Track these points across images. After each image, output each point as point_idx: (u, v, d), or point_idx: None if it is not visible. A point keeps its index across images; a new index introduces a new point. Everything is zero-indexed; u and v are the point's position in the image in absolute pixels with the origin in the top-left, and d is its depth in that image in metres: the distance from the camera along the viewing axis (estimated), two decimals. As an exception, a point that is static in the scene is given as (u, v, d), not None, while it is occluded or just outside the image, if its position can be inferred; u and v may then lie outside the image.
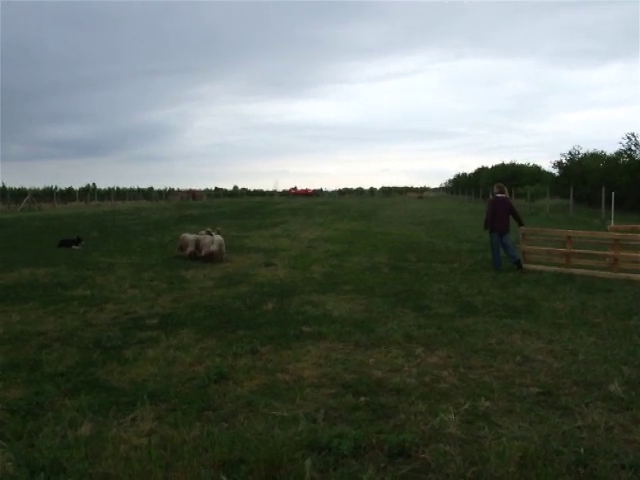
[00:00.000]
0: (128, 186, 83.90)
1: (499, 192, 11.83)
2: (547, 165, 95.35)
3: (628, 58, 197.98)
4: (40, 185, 67.27)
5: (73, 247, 15.57)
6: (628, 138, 35.78)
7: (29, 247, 16.17)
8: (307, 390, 4.70)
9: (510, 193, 48.60)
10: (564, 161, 47.66)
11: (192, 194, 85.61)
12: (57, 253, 14.55)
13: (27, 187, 63.75)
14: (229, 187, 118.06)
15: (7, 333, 6.63)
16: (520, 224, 11.85)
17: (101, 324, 7.10)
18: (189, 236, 13.68)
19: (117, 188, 78.62)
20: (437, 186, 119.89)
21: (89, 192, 70.97)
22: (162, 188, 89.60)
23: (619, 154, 37.85)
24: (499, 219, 11.52)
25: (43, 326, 6.99)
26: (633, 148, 35.71)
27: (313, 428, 3.88)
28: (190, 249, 12.98)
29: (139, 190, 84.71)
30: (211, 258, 12.51)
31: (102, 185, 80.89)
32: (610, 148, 77.63)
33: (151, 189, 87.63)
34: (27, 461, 3.43)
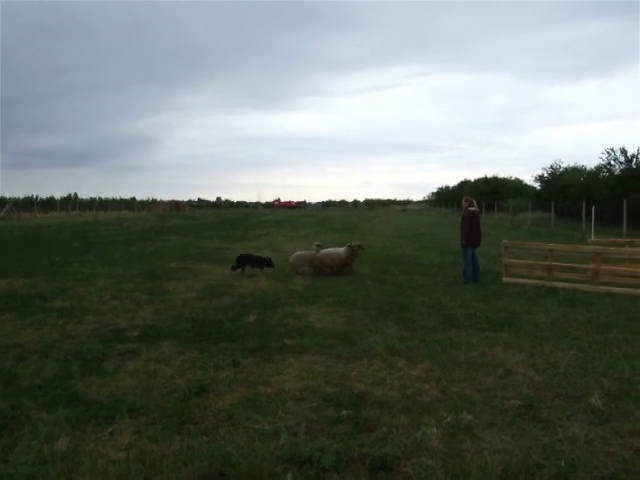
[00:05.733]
0: (110, 196, 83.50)
1: (470, 205, 11.79)
2: (529, 179, 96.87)
3: (603, 75, 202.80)
4: (20, 194, 66.63)
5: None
6: (607, 153, 36.55)
7: (7, 257, 15.91)
8: (289, 403, 4.66)
9: (492, 206, 48.12)
10: (545, 175, 48.45)
11: (175, 205, 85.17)
12: (36, 264, 14.32)
13: (7, 196, 63.03)
14: (212, 198, 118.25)
15: (-17, 345, 6.49)
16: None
17: (80, 336, 6.99)
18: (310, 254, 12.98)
19: (99, 198, 78.19)
20: (420, 199, 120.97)
21: (70, 202, 70.41)
22: (145, 198, 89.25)
23: (599, 169, 38.65)
24: (476, 233, 11.61)
25: (20, 338, 6.85)
26: (612, 163, 36.46)
27: (294, 442, 3.85)
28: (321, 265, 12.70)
29: (121, 200, 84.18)
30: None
31: (84, 195, 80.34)
32: (588, 162, 79.19)
33: (133, 199, 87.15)
34: (0, 477, 3.35)
